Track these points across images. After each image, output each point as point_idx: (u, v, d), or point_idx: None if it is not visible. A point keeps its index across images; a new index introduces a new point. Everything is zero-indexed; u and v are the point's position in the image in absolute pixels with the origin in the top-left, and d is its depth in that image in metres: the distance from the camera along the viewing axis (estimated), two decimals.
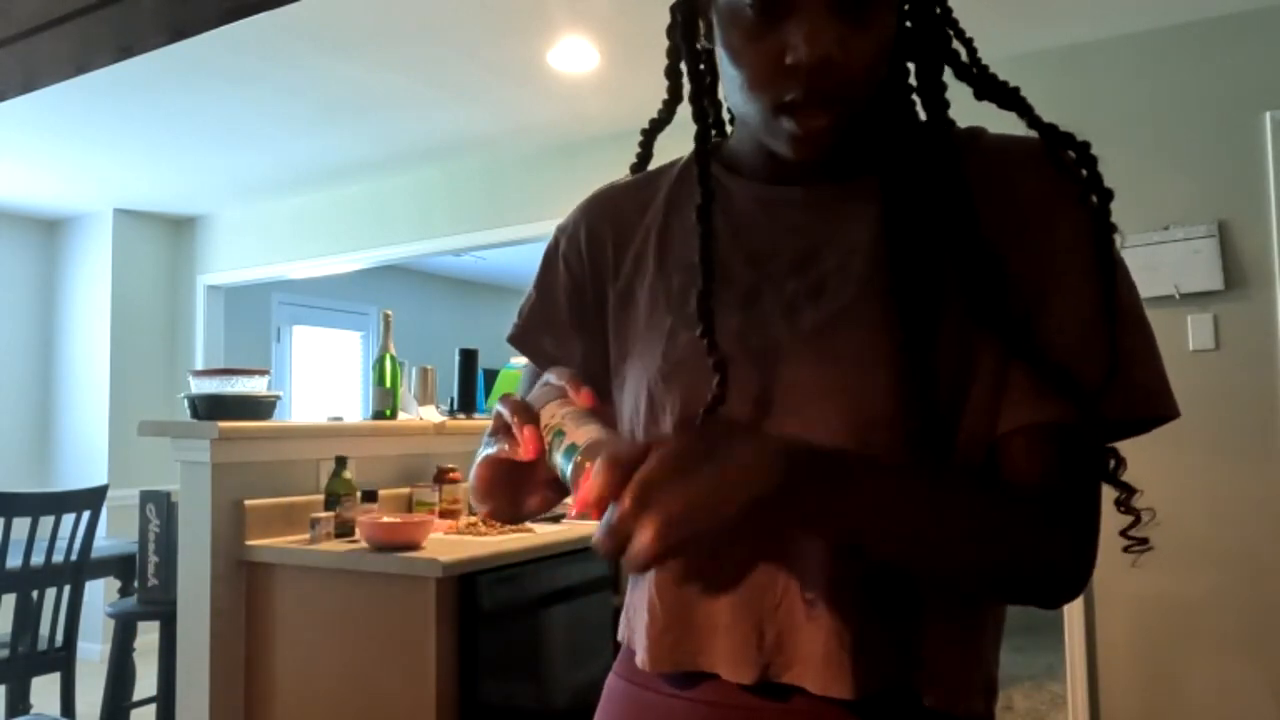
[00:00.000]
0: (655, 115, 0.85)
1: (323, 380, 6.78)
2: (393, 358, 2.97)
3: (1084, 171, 0.71)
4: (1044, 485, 0.67)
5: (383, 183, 4.82)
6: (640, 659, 0.76)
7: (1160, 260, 3.08)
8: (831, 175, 0.75)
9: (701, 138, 0.79)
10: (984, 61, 0.74)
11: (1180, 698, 3.01)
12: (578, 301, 0.85)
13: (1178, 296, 3.05)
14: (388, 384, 2.95)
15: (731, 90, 0.71)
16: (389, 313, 3.01)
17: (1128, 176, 3.18)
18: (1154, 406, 0.69)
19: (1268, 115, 2.97)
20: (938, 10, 0.73)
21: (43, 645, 3.30)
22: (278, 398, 2.68)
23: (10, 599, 3.30)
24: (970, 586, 0.67)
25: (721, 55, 0.71)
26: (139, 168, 4.60)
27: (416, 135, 4.17)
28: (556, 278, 0.86)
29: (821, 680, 0.68)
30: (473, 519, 2.71)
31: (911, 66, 0.74)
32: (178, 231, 5.60)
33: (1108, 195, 0.71)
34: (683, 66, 0.79)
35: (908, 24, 0.73)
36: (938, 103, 0.73)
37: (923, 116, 0.74)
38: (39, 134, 4.07)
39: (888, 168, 0.73)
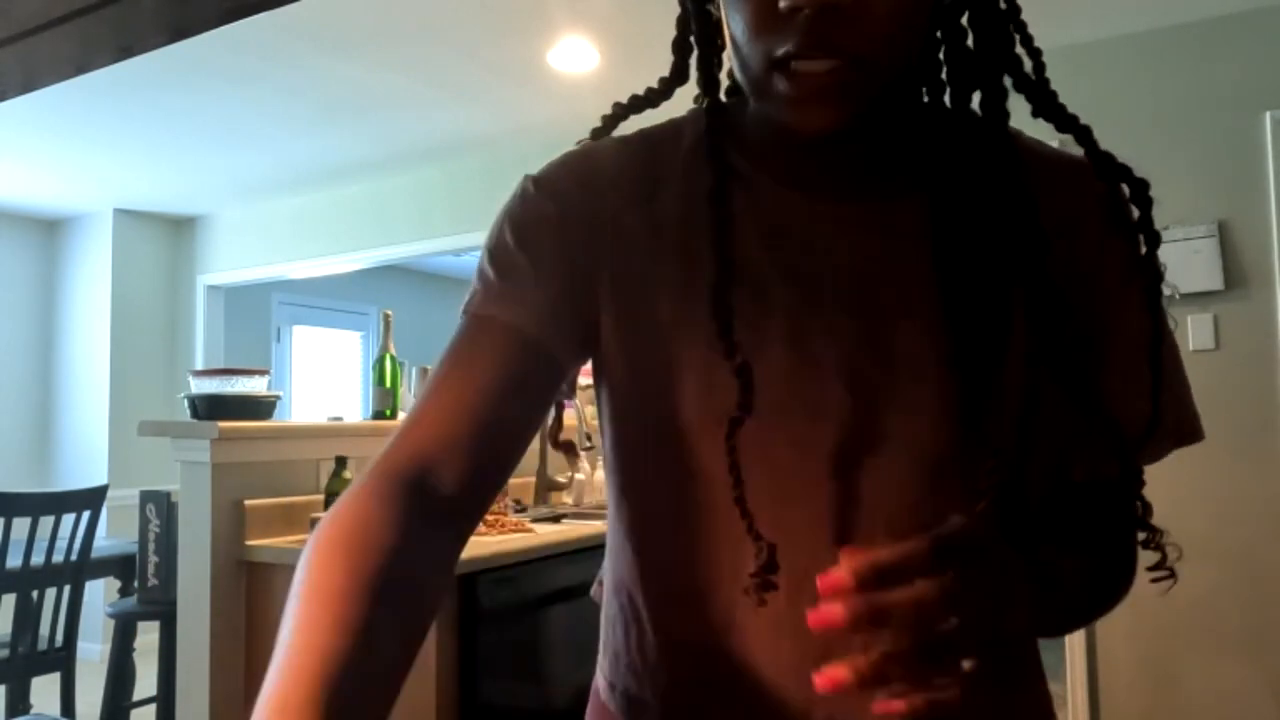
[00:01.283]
0: (643, 93, 0.73)
1: (323, 380, 6.78)
2: (393, 358, 2.97)
3: (1136, 210, 0.66)
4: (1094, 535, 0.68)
5: (383, 183, 4.83)
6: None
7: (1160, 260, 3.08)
8: (878, 188, 0.65)
9: (712, 109, 0.66)
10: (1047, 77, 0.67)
11: (1180, 698, 3.01)
12: (568, 273, 0.68)
13: (1178, 296, 3.05)
14: (388, 384, 2.95)
15: (735, 54, 0.61)
16: (389, 313, 3.01)
17: None
18: (1183, 439, 0.70)
19: (1268, 115, 2.97)
20: (1002, 5, 0.63)
21: (43, 645, 3.30)
22: (278, 398, 2.68)
23: (10, 599, 3.30)
24: (1068, 632, 0.68)
25: (724, 9, 0.60)
26: (139, 168, 4.60)
27: (416, 135, 4.17)
28: (543, 229, 0.69)
29: None
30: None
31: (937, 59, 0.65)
32: (178, 231, 5.60)
33: (1156, 239, 0.66)
34: (692, 39, 0.69)
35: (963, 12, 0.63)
36: (997, 107, 0.63)
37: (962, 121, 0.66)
38: (39, 134, 4.07)
39: (940, 183, 0.64)
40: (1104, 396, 0.64)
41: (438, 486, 0.60)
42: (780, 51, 0.56)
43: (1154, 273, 0.66)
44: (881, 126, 0.64)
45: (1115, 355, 0.66)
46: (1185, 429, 0.69)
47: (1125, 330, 0.66)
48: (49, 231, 5.54)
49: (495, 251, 0.69)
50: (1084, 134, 0.66)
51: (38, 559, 3.31)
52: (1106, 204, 0.66)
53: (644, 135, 0.71)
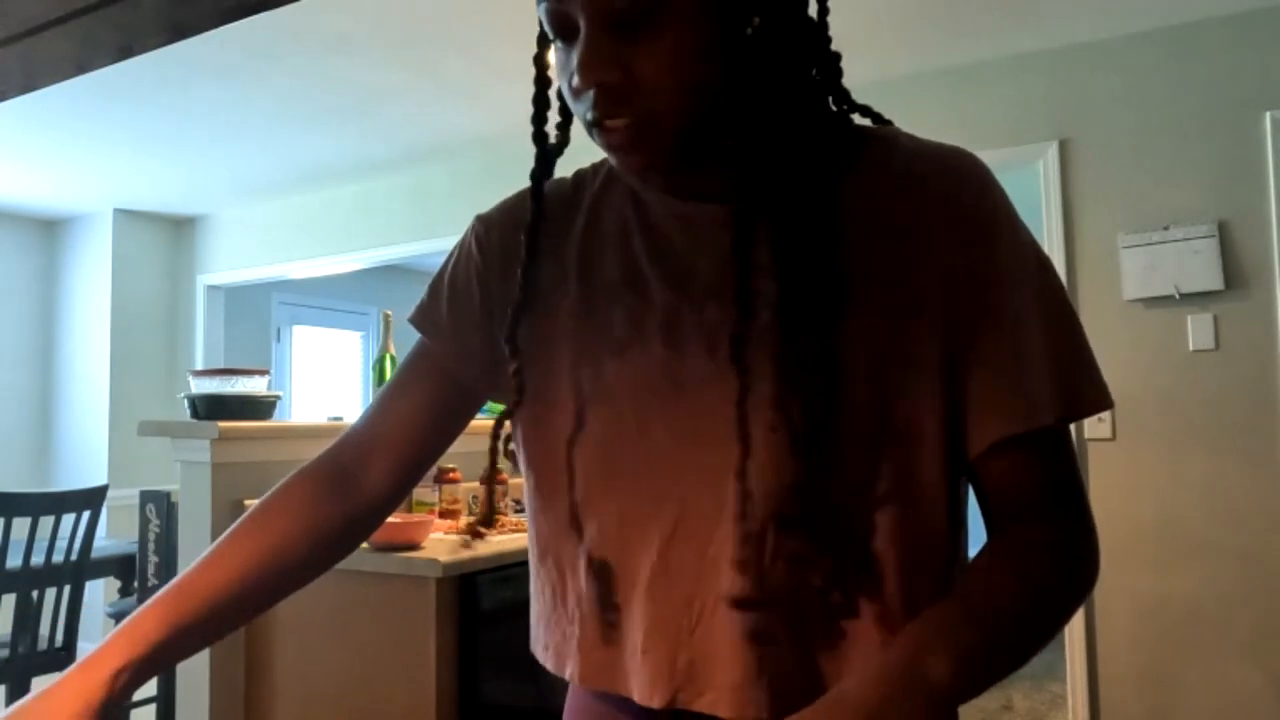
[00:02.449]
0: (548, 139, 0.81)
1: (323, 380, 6.78)
2: (393, 358, 2.96)
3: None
4: (1040, 501, 0.69)
5: (383, 183, 4.83)
6: (571, 672, 0.77)
7: (1160, 260, 3.08)
8: (739, 193, 0.71)
9: (539, 156, 0.79)
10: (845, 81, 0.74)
11: (1180, 698, 3.01)
12: (485, 296, 0.83)
13: (1178, 296, 3.05)
14: None
15: None
16: (389, 313, 3.01)
17: (1128, 176, 3.18)
18: (1072, 407, 0.69)
19: (1268, 115, 2.97)
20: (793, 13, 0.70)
21: (43, 645, 3.31)
22: (278, 398, 2.68)
23: (10, 599, 3.30)
24: (1036, 651, 0.68)
25: None
26: (139, 168, 4.60)
27: (416, 135, 4.17)
28: (467, 267, 0.85)
29: (734, 708, 0.68)
30: (472, 519, 2.71)
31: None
32: (178, 231, 5.60)
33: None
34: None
35: (751, 27, 0.68)
36: (795, 107, 0.71)
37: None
38: (39, 134, 4.07)
39: (778, 189, 0.70)
40: (969, 385, 0.68)
41: (358, 479, 0.84)
42: (588, 117, 0.67)
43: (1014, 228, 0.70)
44: (718, 148, 0.70)
45: (982, 344, 0.68)
46: (1073, 397, 0.69)
47: (989, 319, 0.68)
48: (49, 231, 5.54)
49: (437, 280, 0.87)
50: (877, 117, 0.76)
51: (38, 559, 3.31)
52: (955, 204, 0.69)
53: (575, 175, 0.84)
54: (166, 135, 4.12)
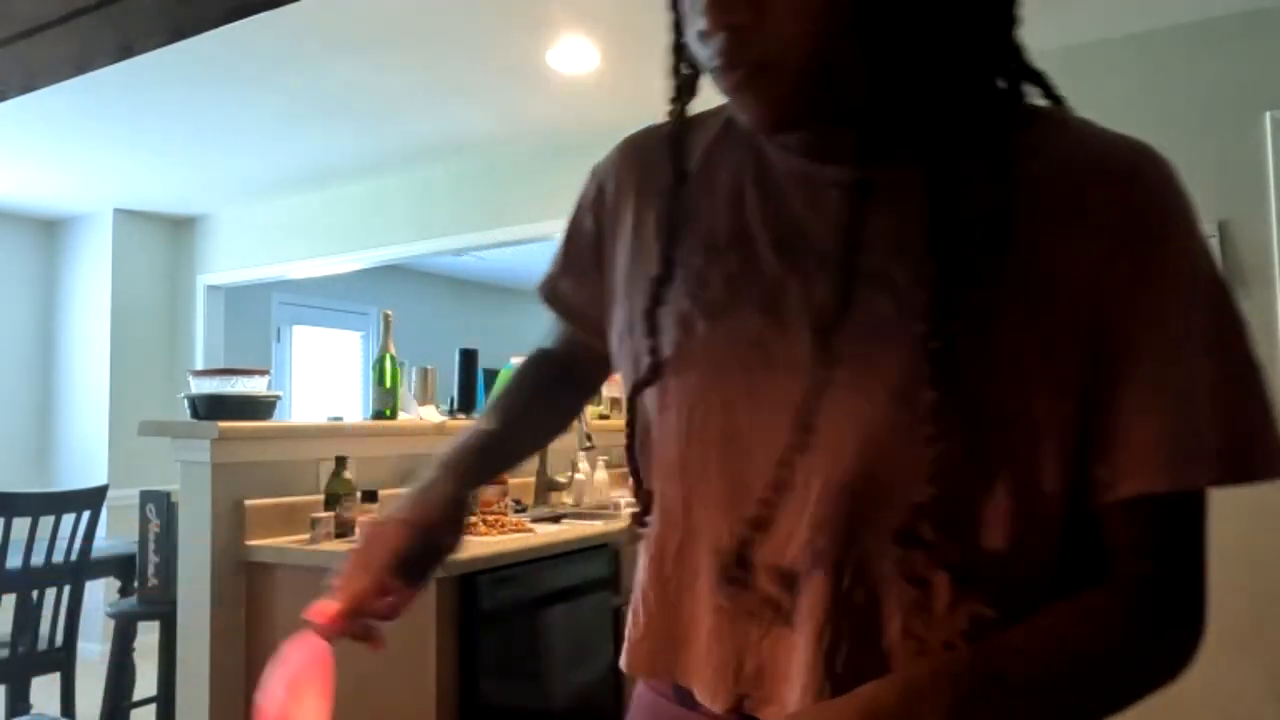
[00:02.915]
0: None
1: (323, 380, 6.78)
2: (393, 358, 2.96)
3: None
4: (1145, 567, 0.60)
5: (383, 183, 4.82)
6: (622, 661, 0.76)
7: None
8: (878, 158, 0.64)
9: (677, 95, 0.72)
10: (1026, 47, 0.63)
11: (1179, 696, 3.00)
12: (598, 249, 0.81)
13: None
14: (388, 384, 2.95)
15: None
16: (389, 313, 3.01)
17: None
18: (1235, 471, 0.59)
19: (1268, 115, 2.97)
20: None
21: (43, 645, 3.30)
22: (278, 398, 2.68)
23: (10, 599, 3.29)
24: None
25: None
26: (139, 168, 4.60)
27: (416, 135, 4.17)
28: (581, 223, 0.83)
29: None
30: (472, 519, 2.71)
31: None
32: (178, 231, 5.60)
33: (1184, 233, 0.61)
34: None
35: None
36: (977, 73, 0.62)
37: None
38: (39, 134, 4.07)
39: (934, 158, 0.62)
40: (1114, 411, 0.59)
41: (561, 367, 0.94)
42: (714, 62, 0.61)
43: (1189, 275, 0.60)
44: (858, 107, 0.63)
45: (1137, 367, 0.59)
46: (1241, 458, 0.58)
47: (1150, 338, 0.59)
48: (49, 231, 5.54)
49: (564, 234, 0.87)
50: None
51: (38, 559, 3.30)
52: (1125, 201, 0.60)
53: (693, 118, 0.76)
54: (166, 135, 4.12)
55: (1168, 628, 0.61)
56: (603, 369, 0.90)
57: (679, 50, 0.70)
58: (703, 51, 0.62)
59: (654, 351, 0.70)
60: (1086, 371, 0.59)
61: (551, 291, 0.89)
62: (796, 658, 0.64)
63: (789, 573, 0.64)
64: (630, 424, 0.75)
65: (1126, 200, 0.60)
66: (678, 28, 0.68)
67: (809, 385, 0.63)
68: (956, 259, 0.59)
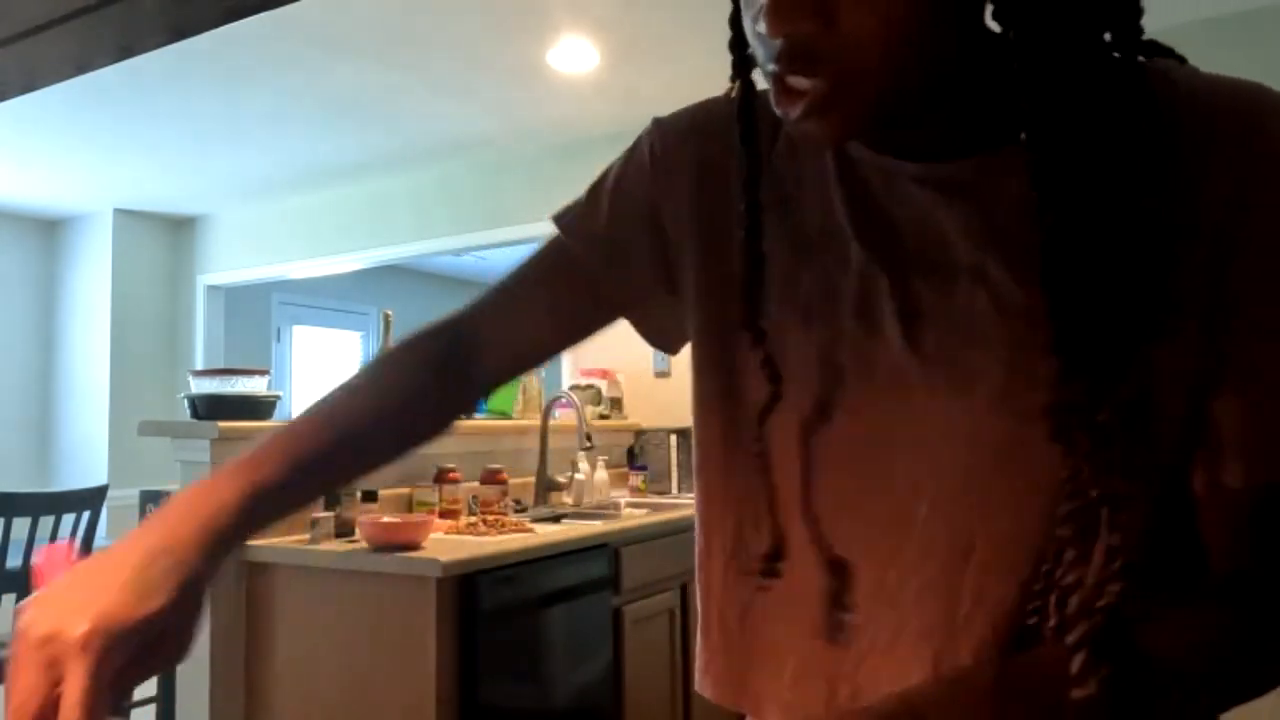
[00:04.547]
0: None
1: (323, 380, 6.79)
2: None
3: None
4: (1261, 564, 0.55)
5: (383, 183, 4.82)
6: (696, 681, 0.71)
7: None
8: (967, 147, 0.58)
9: (744, 95, 0.63)
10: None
11: None
12: (651, 210, 0.72)
13: None
14: None
15: None
16: (389, 313, 3.01)
17: None
18: None
19: None
20: None
21: None
22: (278, 398, 2.68)
23: (10, 599, 3.30)
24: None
25: None
26: (139, 168, 4.60)
27: (416, 135, 4.17)
28: (628, 186, 0.73)
29: None
30: (473, 519, 2.71)
31: None
32: (178, 231, 5.60)
33: None
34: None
35: None
36: (1108, 35, 0.52)
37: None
38: (39, 134, 4.07)
39: (1037, 137, 0.52)
40: (1233, 384, 0.53)
41: (468, 368, 0.76)
42: (769, 67, 0.54)
43: None
44: (947, 96, 0.56)
45: (1259, 333, 0.53)
46: None
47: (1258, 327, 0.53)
48: (49, 231, 5.54)
49: (599, 181, 0.76)
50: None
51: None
52: (1246, 147, 0.53)
53: (763, 91, 0.69)
54: (166, 135, 4.12)
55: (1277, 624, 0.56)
56: (519, 361, 0.79)
57: (739, 32, 0.61)
58: (759, 49, 0.55)
59: (770, 367, 0.63)
60: (1206, 353, 0.53)
61: (572, 228, 0.76)
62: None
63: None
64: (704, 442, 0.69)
65: (1248, 148, 0.53)
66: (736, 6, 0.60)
67: (904, 391, 0.59)
68: (1066, 254, 0.51)
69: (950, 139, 0.58)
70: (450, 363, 0.76)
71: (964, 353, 0.57)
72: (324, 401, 0.71)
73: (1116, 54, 0.52)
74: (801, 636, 0.63)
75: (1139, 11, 0.53)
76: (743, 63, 0.62)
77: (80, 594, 0.52)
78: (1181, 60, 0.58)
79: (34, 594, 0.55)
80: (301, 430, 0.67)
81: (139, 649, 0.53)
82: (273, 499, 0.62)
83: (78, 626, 0.50)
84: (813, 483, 0.63)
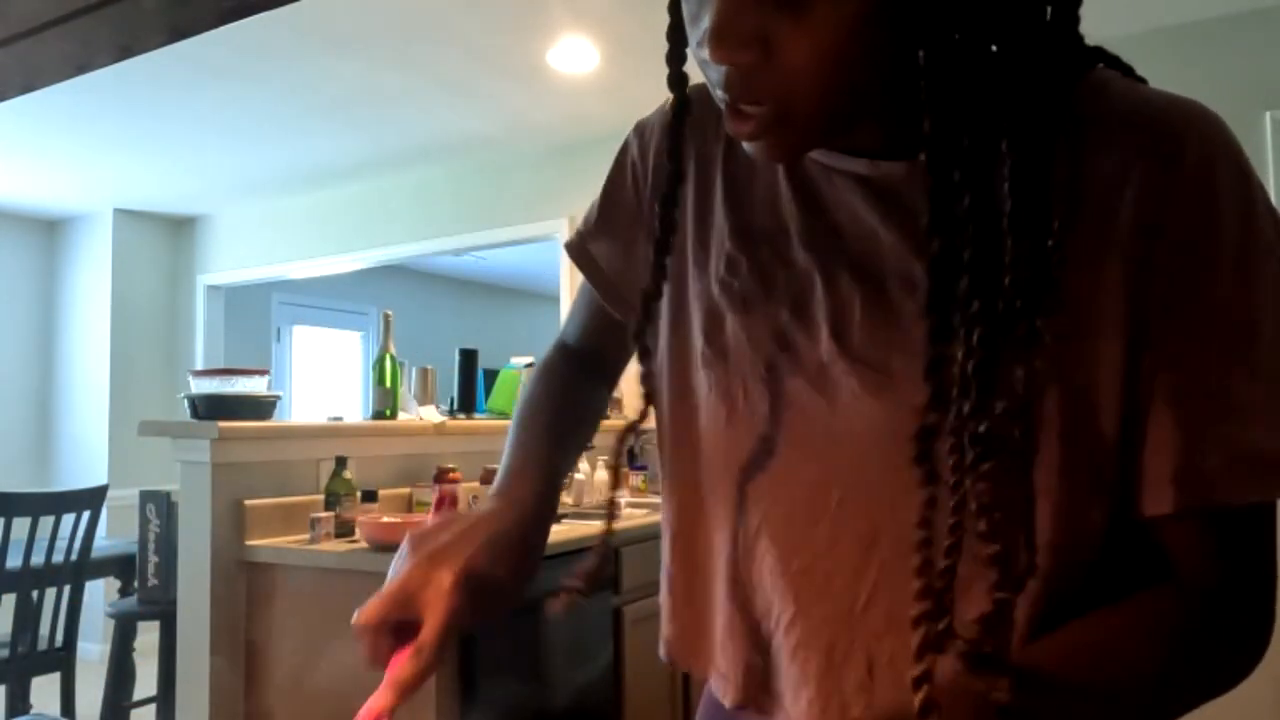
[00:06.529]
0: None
1: (323, 380, 6.78)
2: (393, 358, 2.96)
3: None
4: (1206, 580, 0.56)
5: (383, 183, 4.82)
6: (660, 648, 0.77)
7: None
8: (902, 150, 0.59)
9: (676, 106, 0.65)
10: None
11: None
12: (639, 211, 0.75)
13: None
14: (388, 384, 2.95)
15: None
16: (389, 313, 3.01)
17: None
18: (1237, 487, 0.53)
19: (1268, 115, 2.97)
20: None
21: (43, 645, 3.30)
22: (278, 398, 2.68)
23: (10, 599, 3.29)
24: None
25: None
26: (139, 168, 4.60)
27: (416, 135, 4.17)
28: (623, 181, 0.77)
29: None
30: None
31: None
32: (178, 231, 5.60)
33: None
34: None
35: None
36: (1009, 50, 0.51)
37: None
38: (39, 134, 4.07)
39: (933, 159, 0.52)
40: (1152, 406, 0.54)
41: (586, 363, 0.87)
42: (719, 93, 0.55)
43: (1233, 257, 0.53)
44: (891, 103, 0.57)
45: (1179, 357, 0.53)
46: (1238, 477, 0.52)
47: (1195, 325, 0.53)
48: (49, 231, 5.54)
49: (601, 191, 0.80)
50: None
51: (38, 559, 3.30)
52: (1174, 165, 0.54)
53: None
54: (166, 135, 4.12)
55: (1233, 637, 0.58)
56: (625, 354, 0.86)
57: (677, 38, 0.61)
58: (707, 72, 0.56)
59: (647, 384, 0.70)
60: (1132, 368, 0.54)
61: (581, 251, 0.81)
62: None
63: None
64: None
65: (1175, 165, 0.54)
66: (674, 21, 0.60)
67: (829, 389, 0.62)
68: (954, 253, 0.51)
69: (899, 137, 0.59)
70: (594, 368, 0.88)
71: (887, 355, 0.59)
72: (538, 414, 0.84)
73: (1043, 66, 0.51)
74: (724, 599, 0.69)
75: (1075, 20, 0.52)
76: (679, 79, 0.63)
77: (455, 540, 0.67)
78: (1128, 71, 0.60)
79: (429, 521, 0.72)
80: (543, 438, 0.82)
81: (479, 595, 0.66)
82: (557, 497, 0.79)
83: (454, 565, 0.65)
84: (744, 467, 0.66)
